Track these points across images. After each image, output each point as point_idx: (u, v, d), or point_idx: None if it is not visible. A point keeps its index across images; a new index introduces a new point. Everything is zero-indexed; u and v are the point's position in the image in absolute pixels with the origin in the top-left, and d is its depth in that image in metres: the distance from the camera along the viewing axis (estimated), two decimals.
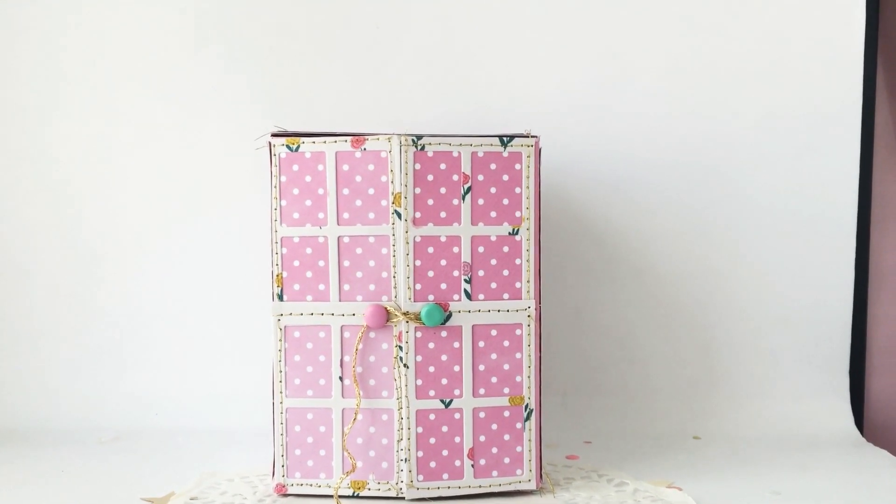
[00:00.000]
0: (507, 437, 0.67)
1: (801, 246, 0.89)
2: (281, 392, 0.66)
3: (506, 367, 0.66)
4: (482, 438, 0.66)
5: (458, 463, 0.66)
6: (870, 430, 0.92)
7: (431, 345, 0.65)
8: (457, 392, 0.66)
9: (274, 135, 0.66)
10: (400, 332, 0.65)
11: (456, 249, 0.65)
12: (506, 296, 0.66)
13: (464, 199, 0.65)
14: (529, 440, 0.67)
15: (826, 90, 0.88)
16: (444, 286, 0.65)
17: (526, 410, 0.67)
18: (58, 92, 0.88)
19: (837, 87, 0.88)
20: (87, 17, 0.87)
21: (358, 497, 0.66)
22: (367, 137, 0.65)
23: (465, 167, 0.65)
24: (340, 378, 0.66)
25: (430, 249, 0.65)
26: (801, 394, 0.90)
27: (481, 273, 0.66)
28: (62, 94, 0.88)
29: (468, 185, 0.65)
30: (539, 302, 0.67)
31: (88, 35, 0.87)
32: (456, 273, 0.65)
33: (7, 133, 0.88)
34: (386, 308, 0.65)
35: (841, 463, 0.78)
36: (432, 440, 0.66)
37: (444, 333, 0.65)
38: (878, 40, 0.90)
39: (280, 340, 0.66)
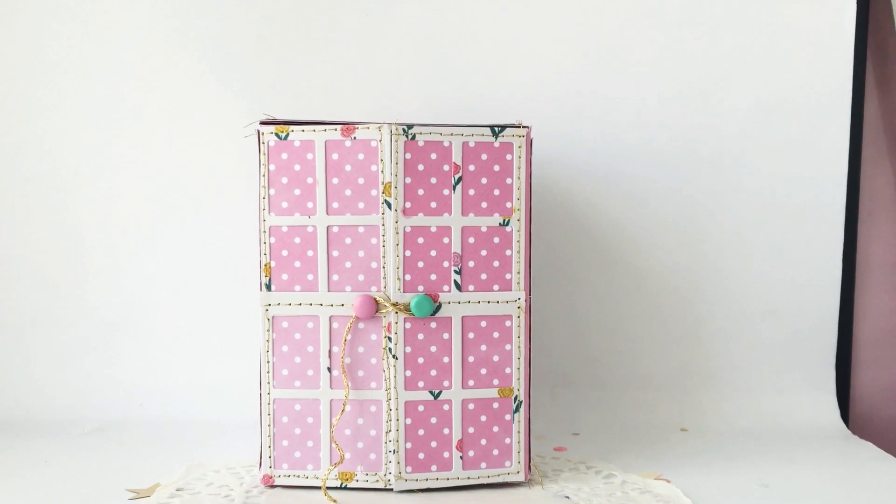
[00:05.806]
0: (495, 428, 0.66)
1: (789, 238, 0.90)
2: (268, 383, 0.66)
3: (495, 358, 0.66)
4: (471, 430, 0.66)
5: (446, 454, 0.66)
6: (855, 422, 0.93)
7: (421, 336, 0.65)
8: (446, 383, 0.65)
9: (263, 122, 0.65)
10: (389, 323, 0.64)
11: (446, 240, 0.65)
12: (496, 287, 0.66)
13: (454, 189, 0.65)
14: (518, 432, 0.67)
15: (816, 82, 0.88)
16: (433, 277, 0.65)
17: (515, 402, 0.66)
18: (43, 84, 0.86)
19: (827, 79, 0.88)
20: (73, 10, 0.86)
21: (346, 489, 0.65)
22: (357, 126, 0.64)
23: (456, 157, 0.65)
24: (329, 369, 0.65)
25: (420, 240, 0.65)
26: (788, 386, 0.90)
27: (471, 264, 0.65)
28: (47, 86, 0.86)
29: (459, 175, 0.65)
30: (529, 293, 0.66)
31: (73, 27, 0.86)
32: (446, 264, 0.65)
33: None
34: (375, 299, 0.64)
35: (827, 455, 0.78)
36: (421, 431, 0.65)
37: (433, 324, 0.65)
38: (869, 33, 0.90)
39: (268, 331, 0.65)
